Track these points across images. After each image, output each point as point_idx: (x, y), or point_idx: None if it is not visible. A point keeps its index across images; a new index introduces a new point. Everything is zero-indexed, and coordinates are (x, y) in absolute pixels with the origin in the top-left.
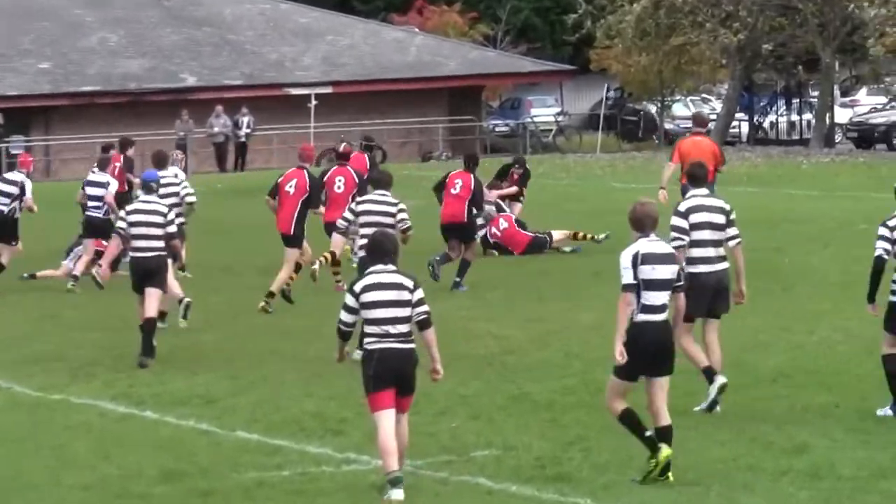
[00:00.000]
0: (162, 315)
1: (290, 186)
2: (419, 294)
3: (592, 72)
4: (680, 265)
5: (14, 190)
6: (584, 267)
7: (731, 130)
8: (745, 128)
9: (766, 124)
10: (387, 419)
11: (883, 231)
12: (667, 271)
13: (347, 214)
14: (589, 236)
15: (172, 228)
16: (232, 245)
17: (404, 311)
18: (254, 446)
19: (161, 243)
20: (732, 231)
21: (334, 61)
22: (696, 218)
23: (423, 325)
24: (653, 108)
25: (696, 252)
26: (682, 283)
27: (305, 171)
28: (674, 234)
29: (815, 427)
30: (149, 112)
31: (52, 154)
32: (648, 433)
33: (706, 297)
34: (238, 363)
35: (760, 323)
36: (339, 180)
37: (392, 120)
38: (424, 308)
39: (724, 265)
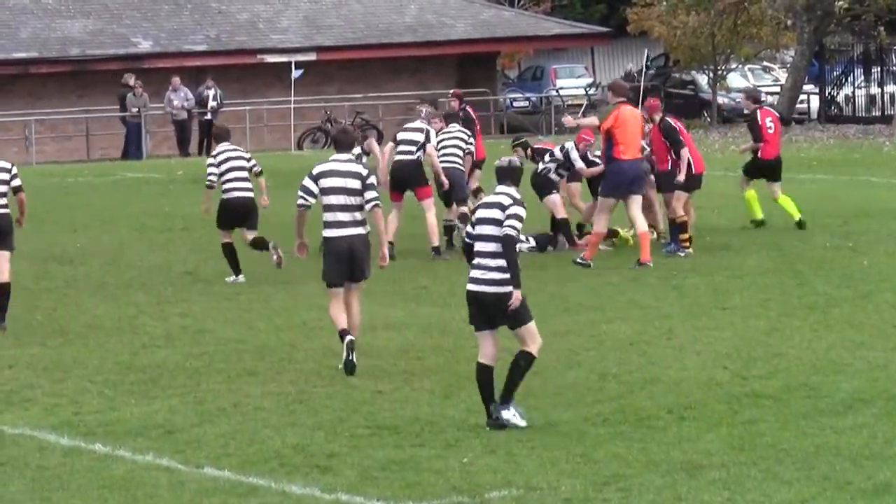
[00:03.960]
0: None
1: None
2: None
3: (630, 35)
4: None
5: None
6: (617, 269)
7: (799, 106)
8: (814, 103)
9: (840, 98)
10: None
11: None
12: None
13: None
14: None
15: (17, 182)
16: (194, 245)
17: None
18: (224, 486)
19: (5, 200)
20: (370, 195)
21: (318, 23)
22: (327, 182)
23: None
24: (703, 79)
25: (328, 216)
26: None
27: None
28: (299, 194)
29: None
30: (94, 83)
31: None
32: None
33: (342, 261)
34: (205, 386)
35: (834, 338)
36: None
37: (388, 94)
38: None
39: (360, 230)
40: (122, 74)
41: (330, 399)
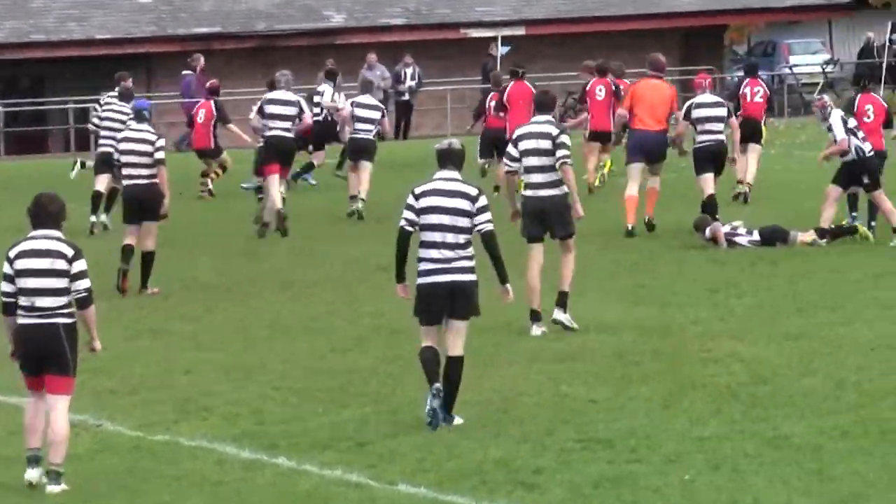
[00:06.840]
0: None
1: None
2: None
3: (872, 7)
4: None
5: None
6: (859, 266)
7: None
8: None
9: None
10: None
11: (409, 200)
12: None
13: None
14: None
15: (160, 155)
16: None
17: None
18: None
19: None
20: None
21: None
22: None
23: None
24: None
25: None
26: None
27: None
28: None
29: None
30: (282, 61)
31: (156, 116)
32: None
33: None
34: (400, 393)
35: None
36: None
37: None
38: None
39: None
40: (312, 50)
41: (537, 408)
